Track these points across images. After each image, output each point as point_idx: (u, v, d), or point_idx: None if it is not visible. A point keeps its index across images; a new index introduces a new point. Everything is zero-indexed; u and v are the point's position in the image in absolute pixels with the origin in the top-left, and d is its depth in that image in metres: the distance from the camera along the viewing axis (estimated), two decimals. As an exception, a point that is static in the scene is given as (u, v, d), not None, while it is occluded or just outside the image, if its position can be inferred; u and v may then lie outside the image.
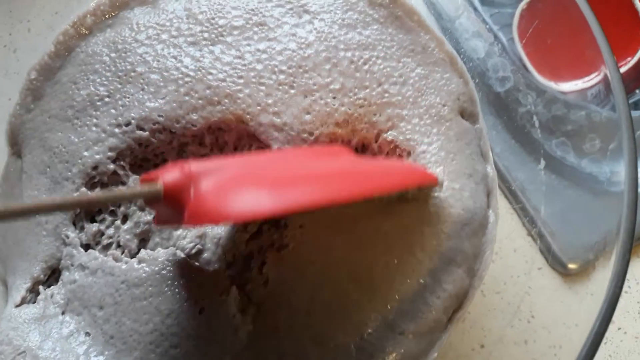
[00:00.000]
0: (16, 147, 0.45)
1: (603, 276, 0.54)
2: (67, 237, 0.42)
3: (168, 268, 0.40)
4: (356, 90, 0.45)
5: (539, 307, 0.52)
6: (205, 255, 0.41)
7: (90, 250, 0.42)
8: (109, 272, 0.41)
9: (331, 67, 0.45)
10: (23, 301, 0.42)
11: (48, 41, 0.48)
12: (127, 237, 0.42)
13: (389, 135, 0.44)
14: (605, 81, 0.53)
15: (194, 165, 0.32)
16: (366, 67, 0.46)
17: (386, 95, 0.45)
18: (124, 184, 0.43)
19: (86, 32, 0.47)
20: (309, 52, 0.45)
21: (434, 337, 0.42)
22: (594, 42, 0.52)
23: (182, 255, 0.40)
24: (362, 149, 0.45)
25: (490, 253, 0.44)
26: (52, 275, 0.42)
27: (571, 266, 0.54)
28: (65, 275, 0.41)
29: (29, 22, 0.51)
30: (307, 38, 0.45)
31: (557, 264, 0.54)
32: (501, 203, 0.52)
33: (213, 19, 0.46)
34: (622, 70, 0.62)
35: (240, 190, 0.31)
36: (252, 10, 0.46)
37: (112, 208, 0.43)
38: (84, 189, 0.42)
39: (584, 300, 0.53)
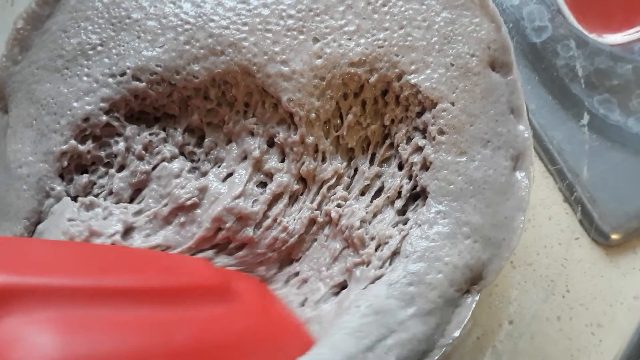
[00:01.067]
0: (2, 101, 0.43)
1: (651, 248, 0.49)
2: (53, 189, 0.40)
3: None
4: (374, 32, 0.41)
5: (575, 281, 0.48)
6: (198, 211, 0.40)
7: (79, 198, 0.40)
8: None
9: (345, 8, 0.42)
10: None
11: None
12: (121, 184, 0.41)
13: (413, 79, 0.41)
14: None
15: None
16: (385, 8, 0.42)
17: (409, 39, 0.41)
18: (120, 135, 0.41)
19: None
20: None
21: (445, 313, 0.38)
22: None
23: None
24: (382, 92, 0.42)
25: (521, 220, 0.39)
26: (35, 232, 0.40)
27: (614, 236, 0.48)
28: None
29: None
30: None
31: (597, 233, 0.49)
32: (535, 165, 0.47)
33: None
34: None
35: None
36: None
37: (107, 160, 0.41)
38: (73, 142, 0.40)
39: (628, 275, 0.48)
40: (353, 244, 0.41)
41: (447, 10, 0.42)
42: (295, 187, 0.42)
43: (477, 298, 0.39)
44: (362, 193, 0.43)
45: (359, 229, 0.41)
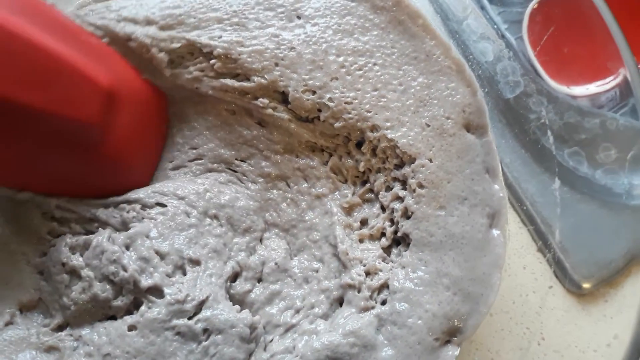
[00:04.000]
0: None
1: (622, 298, 0.51)
2: None
3: None
4: (344, 90, 0.44)
5: (549, 329, 0.49)
6: None
7: None
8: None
9: (314, 67, 0.44)
10: None
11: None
12: None
13: (389, 134, 0.43)
14: (624, 84, 0.50)
15: None
16: (360, 72, 0.44)
17: (383, 99, 0.44)
18: None
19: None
20: (291, 53, 0.44)
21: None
22: (613, 44, 0.49)
23: None
24: (356, 143, 0.45)
25: (498, 277, 0.41)
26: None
27: (585, 285, 0.50)
28: None
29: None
30: (292, 41, 0.44)
31: (570, 282, 0.51)
32: (510, 216, 0.49)
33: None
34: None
35: None
36: (234, 12, 0.44)
37: None
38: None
39: (599, 322, 0.50)
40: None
41: (424, 75, 0.45)
42: None
43: (457, 352, 0.41)
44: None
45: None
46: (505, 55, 0.55)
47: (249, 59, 0.43)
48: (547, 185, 0.52)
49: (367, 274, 0.42)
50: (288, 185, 0.46)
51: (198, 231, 0.42)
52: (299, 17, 0.45)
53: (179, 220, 0.42)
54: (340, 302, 0.43)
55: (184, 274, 0.41)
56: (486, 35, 0.56)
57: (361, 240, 0.44)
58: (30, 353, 0.40)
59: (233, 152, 0.46)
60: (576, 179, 0.52)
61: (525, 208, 0.52)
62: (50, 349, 0.40)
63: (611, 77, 0.51)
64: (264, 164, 0.46)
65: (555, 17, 0.52)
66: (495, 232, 0.42)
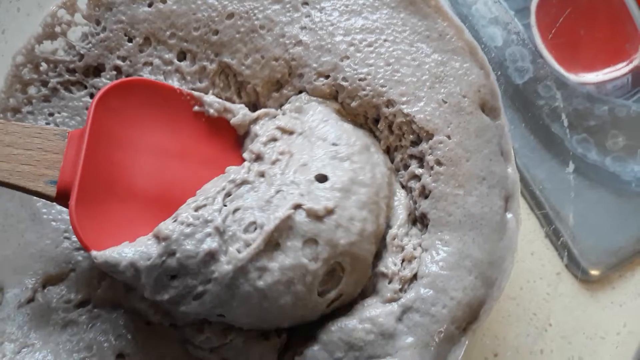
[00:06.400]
0: None
1: (630, 285, 0.51)
2: None
3: None
4: (356, 67, 0.43)
5: (557, 315, 0.49)
6: None
7: None
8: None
9: (322, 52, 0.44)
10: None
11: (38, 21, 0.45)
12: None
13: (405, 109, 0.42)
14: (637, 71, 0.49)
15: None
16: (371, 48, 0.44)
17: (397, 74, 0.43)
18: None
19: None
20: (297, 49, 0.44)
21: (442, 350, 0.39)
22: (624, 29, 0.48)
23: None
24: (373, 120, 0.44)
25: (510, 261, 0.41)
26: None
27: (593, 272, 0.50)
28: None
29: (18, 1, 0.48)
30: (297, 35, 0.44)
31: (577, 269, 0.50)
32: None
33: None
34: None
35: None
36: (246, 12, 0.44)
37: None
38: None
39: (607, 309, 0.50)
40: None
41: (438, 53, 0.44)
42: None
43: (467, 340, 0.40)
44: None
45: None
46: (514, 40, 0.55)
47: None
48: (556, 171, 0.51)
49: (404, 260, 0.41)
50: None
51: None
52: (305, 4, 0.45)
53: None
54: None
55: None
56: (495, 20, 0.56)
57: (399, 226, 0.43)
58: (48, 329, 0.39)
59: None
60: (584, 166, 0.52)
61: (534, 194, 0.52)
62: (68, 324, 0.40)
63: (624, 64, 0.51)
64: None
65: (568, 1, 0.52)
66: (509, 215, 0.42)
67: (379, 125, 0.44)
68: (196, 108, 0.43)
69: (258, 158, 0.41)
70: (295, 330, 0.40)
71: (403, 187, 0.44)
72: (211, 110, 0.43)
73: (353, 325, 0.38)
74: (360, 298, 0.41)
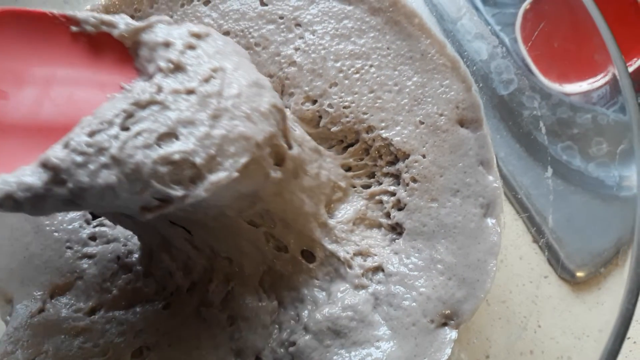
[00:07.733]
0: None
1: (613, 285, 0.52)
2: None
3: None
4: (342, 95, 0.46)
5: (546, 316, 0.51)
6: None
7: None
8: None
9: (314, 77, 0.46)
10: None
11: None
12: None
13: (384, 133, 0.45)
14: (613, 82, 0.51)
15: None
16: (357, 75, 0.46)
17: (379, 101, 0.46)
18: None
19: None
20: (292, 69, 0.46)
21: (421, 343, 0.42)
22: (602, 42, 0.50)
23: None
24: (352, 141, 0.46)
25: (493, 263, 0.43)
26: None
27: (579, 274, 0.52)
28: None
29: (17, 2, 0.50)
30: (292, 56, 0.47)
31: (564, 272, 0.52)
32: (505, 209, 0.51)
33: None
34: (630, 70, 0.61)
35: None
36: (241, 31, 0.46)
37: None
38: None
39: (593, 310, 0.52)
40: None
41: (419, 74, 0.47)
42: None
43: (454, 336, 0.42)
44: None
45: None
46: (499, 54, 0.57)
47: None
48: (541, 178, 0.53)
49: (360, 254, 0.44)
50: None
51: None
52: (298, 25, 0.47)
53: None
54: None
55: None
56: (480, 35, 0.58)
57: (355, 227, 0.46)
58: (60, 338, 0.41)
59: None
60: (569, 172, 0.54)
61: (521, 201, 0.54)
62: (81, 332, 0.42)
63: (601, 75, 0.53)
64: None
65: (546, 14, 0.54)
66: (490, 220, 0.44)
67: (350, 149, 0.47)
68: (73, 28, 0.38)
69: (178, 68, 0.36)
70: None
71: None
72: (88, 27, 0.38)
73: (337, 313, 0.41)
74: (308, 262, 0.44)
